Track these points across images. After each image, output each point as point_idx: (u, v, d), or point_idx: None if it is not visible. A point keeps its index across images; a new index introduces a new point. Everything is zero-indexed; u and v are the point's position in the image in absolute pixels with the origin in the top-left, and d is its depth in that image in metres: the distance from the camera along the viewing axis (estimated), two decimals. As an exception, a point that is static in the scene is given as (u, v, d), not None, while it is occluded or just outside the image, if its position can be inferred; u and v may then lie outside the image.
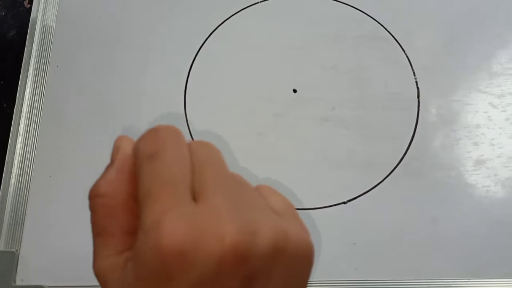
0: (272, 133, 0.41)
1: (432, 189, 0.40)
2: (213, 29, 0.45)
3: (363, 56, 0.44)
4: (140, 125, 0.42)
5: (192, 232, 0.17)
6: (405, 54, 0.45)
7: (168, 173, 0.19)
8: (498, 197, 0.39)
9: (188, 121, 0.42)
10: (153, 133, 0.20)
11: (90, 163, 0.41)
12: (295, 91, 0.43)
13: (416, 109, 0.43)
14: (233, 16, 0.46)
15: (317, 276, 0.37)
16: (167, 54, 0.45)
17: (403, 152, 0.41)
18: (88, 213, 0.39)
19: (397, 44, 0.45)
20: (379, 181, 0.40)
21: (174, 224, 0.17)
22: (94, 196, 0.21)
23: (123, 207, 0.20)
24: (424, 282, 0.37)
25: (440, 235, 0.38)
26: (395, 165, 0.40)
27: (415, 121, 0.42)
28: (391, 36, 0.45)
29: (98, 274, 0.20)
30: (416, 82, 0.43)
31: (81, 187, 0.40)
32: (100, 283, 0.19)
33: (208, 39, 0.45)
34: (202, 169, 0.19)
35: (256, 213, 0.19)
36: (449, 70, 0.44)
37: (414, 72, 0.44)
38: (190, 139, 0.42)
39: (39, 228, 0.40)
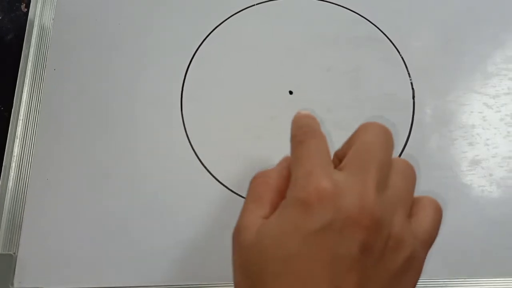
0: (269, 136, 0.42)
1: (427, 189, 0.40)
2: (209, 32, 0.45)
3: (359, 58, 0.45)
4: (137, 128, 0.42)
5: (340, 185, 0.22)
6: (400, 55, 0.45)
7: (317, 150, 0.25)
8: (493, 196, 0.40)
9: (185, 124, 0.42)
10: (304, 120, 0.29)
11: (88, 166, 0.42)
12: (291, 92, 0.43)
13: (412, 110, 0.43)
14: (229, 19, 0.46)
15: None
16: (164, 57, 0.45)
17: (399, 153, 0.41)
18: (85, 216, 0.39)
19: (392, 45, 0.45)
20: (374, 182, 0.40)
21: (320, 176, 0.23)
22: (261, 175, 0.27)
23: (277, 186, 0.26)
24: (419, 282, 0.37)
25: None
26: (390, 166, 0.41)
27: (410, 121, 0.42)
28: (386, 38, 0.45)
29: (242, 227, 0.24)
30: (411, 83, 0.44)
31: (79, 189, 0.41)
32: (238, 240, 0.24)
33: (204, 41, 0.45)
34: (359, 150, 0.25)
35: (396, 209, 0.23)
36: (444, 71, 0.44)
37: (409, 73, 0.44)
38: (187, 142, 0.42)
39: (37, 231, 0.40)
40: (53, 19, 0.47)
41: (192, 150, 0.42)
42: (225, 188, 0.40)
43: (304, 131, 0.27)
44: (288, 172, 0.26)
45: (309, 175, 0.23)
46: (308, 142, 0.26)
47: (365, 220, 0.22)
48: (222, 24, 0.46)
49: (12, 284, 0.38)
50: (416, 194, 0.40)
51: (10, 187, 0.41)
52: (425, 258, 0.25)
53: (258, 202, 0.25)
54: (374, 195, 0.22)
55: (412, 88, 0.44)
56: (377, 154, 0.24)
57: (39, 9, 0.47)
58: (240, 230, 0.25)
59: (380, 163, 0.24)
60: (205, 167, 0.41)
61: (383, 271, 0.23)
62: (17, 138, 0.42)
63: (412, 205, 0.26)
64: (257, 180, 0.27)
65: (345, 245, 0.22)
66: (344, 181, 0.23)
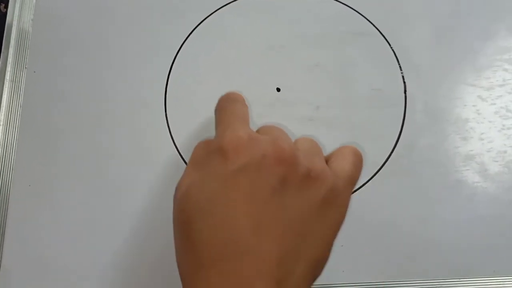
0: (255, 135, 0.40)
1: (420, 187, 0.39)
2: (192, 29, 0.44)
3: (348, 53, 0.43)
4: (121, 131, 0.41)
5: (253, 135, 0.25)
6: (392, 48, 0.43)
7: (234, 112, 0.29)
8: (488, 193, 0.38)
9: (169, 125, 0.41)
10: (225, 97, 0.32)
11: (71, 171, 0.40)
12: (278, 90, 0.42)
13: (403, 105, 0.41)
14: (211, 15, 0.44)
15: (304, 280, 0.36)
16: (146, 57, 0.43)
17: (390, 150, 0.40)
18: (69, 223, 0.38)
19: (383, 38, 0.44)
20: (365, 181, 0.39)
21: (236, 128, 0.26)
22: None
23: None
24: (413, 283, 0.36)
25: (429, 235, 0.37)
26: (381, 164, 0.39)
27: (402, 117, 0.41)
28: (376, 31, 0.44)
29: (177, 188, 0.26)
30: (403, 76, 0.42)
31: (62, 196, 0.40)
32: (173, 200, 0.26)
33: (187, 40, 0.44)
34: (265, 129, 0.28)
35: (305, 153, 0.26)
36: (436, 64, 0.43)
37: (400, 67, 0.43)
38: (172, 143, 0.41)
39: (20, 238, 0.39)
40: (32, 20, 0.45)
41: (177, 152, 0.40)
42: (211, 191, 0.39)
43: (225, 99, 0.31)
44: None
45: (227, 128, 0.26)
46: (229, 107, 0.30)
47: (282, 156, 0.24)
48: (204, 21, 0.44)
49: (-5, 295, 0.37)
50: (406, 193, 0.39)
51: (-9, 195, 0.40)
52: (349, 197, 0.27)
53: (194, 166, 0.27)
54: (288, 143, 0.25)
55: (404, 82, 0.42)
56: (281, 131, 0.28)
57: (17, 9, 0.46)
58: (176, 190, 0.26)
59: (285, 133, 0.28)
60: (191, 169, 0.40)
61: (304, 202, 0.24)
62: (-3, 144, 0.41)
63: (328, 157, 0.28)
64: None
65: (263, 180, 0.24)
66: (261, 135, 0.26)
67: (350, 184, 0.27)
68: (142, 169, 0.40)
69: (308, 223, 0.24)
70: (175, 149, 0.40)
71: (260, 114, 0.41)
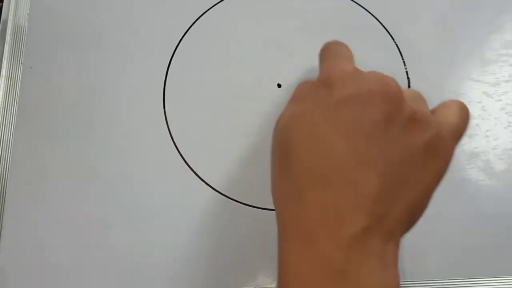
0: (256, 132, 0.40)
1: (424, 185, 0.38)
2: (190, 24, 0.43)
3: (351, 46, 0.42)
4: (118, 128, 0.40)
5: (359, 70, 0.26)
6: (395, 43, 0.42)
7: (340, 53, 0.30)
8: (493, 191, 0.38)
9: (168, 122, 0.40)
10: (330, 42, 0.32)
11: (68, 169, 0.40)
12: (279, 86, 0.41)
13: (407, 101, 0.41)
14: (210, 9, 0.43)
15: (305, 280, 0.35)
16: (144, 53, 0.43)
17: (393, 148, 0.39)
18: (67, 222, 0.38)
19: (386, 33, 0.43)
20: (368, 179, 0.38)
21: (343, 62, 0.26)
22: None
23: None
24: (416, 283, 0.36)
25: (432, 234, 0.37)
26: (385, 162, 0.39)
27: (406, 114, 0.40)
28: (380, 25, 0.43)
29: (278, 120, 0.26)
30: (407, 72, 0.41)
31: (60, 194, 0.39)
32: (274, 132, 0.26)
33: (186, 35, 0.43)
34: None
35: (413, 95, 0.26)
36: (441, 59, 0.42)
37: (404, 62, 0.42)
38: (170, 140, 0.40)
39: (16, 238, 0.38)
40: (28, 14, 0.45)
41: (176, 150, 0.40)
42: (212, 190, 0.38)
43: (330, 42, 0.31)
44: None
45: (333, 63, 0.26)
46: (333, 47, 0.30)
47: (388, 92, 0.23)
48: (203, 16, 0.43)
49: (-9, 295, 0.37)
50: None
51: (-13, 193, 0.39)
52: (453, 149, 0.26)
53: (297, 100, 0.26)
54: (395, 82, 0.25)
55: (408, 78, 0.41)
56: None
57: (13, 4, 0.45)
58: (277, 123, 0.26)
59: None
60: (190, 167, 0.39)
61: (407, 143, 0.23)
62: (-7, 142, 0.41)
63: (433, 110, 0.27)
64: (300, 84, 0.29)
65: (367, 113, 0.23)
66: (366, 72, 0.25)
67: (455, 136, 0.26)
68: (140, 168, 0.39)
69: (410, 166, 0.23)
70: (175, 147, 0.40)
71: (261, 111, 0.40)
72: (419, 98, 0.27)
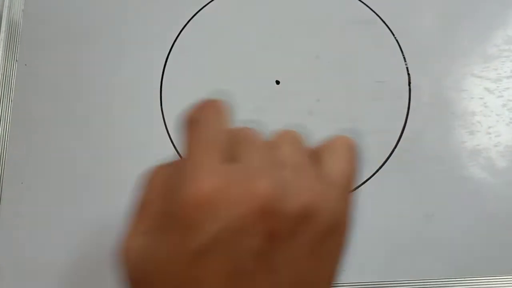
0: (253, 130, 0.39)
1: (425, 183, 0.37)
2: (188, 19, 0.42)
3: (350, 43, 0.42)
4: (115, 126, 0.40)
5: (220, 184, 0.18)
6: (395, 38, 0.42)
7: (205, 138, 0.20)
8: (495, 189, 0.37)
9: (165, 118, 0.40)
10: (200, 104, 0.23)
11: (64, 167, 0.39)
12: (278, 82, 0.41)
13: (407, 98, 0.40)
14: (208, 4, 0.43)
15: (304, 280, 0.35)
16: (141, 48, 0.42)
17: (394, 145, 0.39)
18: (63, 221, 0.37)
19: (386, 28, 0.42)
20: (368, 177, 0.38)
21: (203, 176, 0.18)
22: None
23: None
24: (417, 282, 0.35)
25: (433, 232, 0.36)
26: (385, 159, 0.38)
27: (406, 110, 0.40)
28: (379, 20, 0.42)
29: (122, 246, 0.21)
30: (407, 68, 0.41)
31: (56, 193, 0.39)
32: (122, 261, 0.21)
33: (183, 30, 0.42)
34: (239, 138, 0.21)
35: (293, 174, 0.19)
36: (442, 54, 0.41)
37: (404, 58, 0.41)
38: (168, 138, 0.39)
39: (12, 238, 0.38)
40: (22, 11, 0.44)
41: (174, 148, 0.39)
42: (209, 188, 0.38)
43: (197, 109, 0.22)
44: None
45: (190, 172, 0.19)
46: (198, 127, 0.21)
47: (264, 206, 0.18)
48: (201, 11, 0.43)
49: (-13, 296, 0.36)
50: (410, 189, 0.37)
51: (-18, 193, 0.39)
52: (346, 209, 0.21)
53: (147, 220, 0.21)
54: (267, 176, 0.18)
55: (408, 74, 0.41)
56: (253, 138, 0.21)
57: (7, 0, 0.44)
58: (118, 254, 0.21)
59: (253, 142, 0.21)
60: (187, 165, 0.39)
61: (301, 249, 0.19)
62: (-12, 140, 0.40)
63: (314, 153, 0.22)
64: (153, 180, 0.22)
65: (244, 248, 0.18)
66: (230, 177, 0.19)
67: (349, 189, 0.22)
68: (137, 166, 0.39)
69: (309, 270, 0.19)
70: (172, 145, 0.39)
71: (259, 108, 0.40)
72: (299, 159, 0.21)
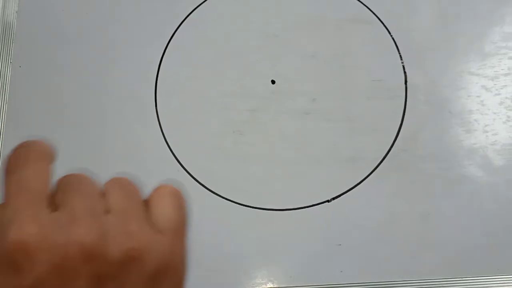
0: (249, 130, 0.39)
1: (422, 182, 0.37)
2: (182, 19, 0.42)
3: (346, 41, 0.41)
4: (110, 126, 0.40)
5: (39, 230, 0.19)
6: (391, 36, 0.41)
7: (26, 184, 0.21)
8: (492, 188, 0.37)
9: (160, 120, 0.40)
10: (19, 150, 0.22)
11: (59, 169, 0.39)
12: (273, 82, 0.40)
13: (404, 97, 0.40)
14: (203, 4, 0.42)
15: (300, 281, 0.35)
16: (136, 49, 0.42)
17: (390, 144, 0.38)
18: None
19: (382, 26, 0.42)
20: (364, 177, 0.37)
21: (24, 223, 0.19)
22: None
23: None
24: (414, 282, 0.35)
25: (430, 232, 0.36)
26: (381, 159, 0.38)
27: (403, 109, 0.39)
28: (376, 18, 0.42)
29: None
30: (403, 66, 0.41)
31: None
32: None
33: (178, 30, 0.42)
34: (63, 187, 0.22)
35: (117, 220, 0.21)
36: (439, 53, 0.41)
37: (401, 56, 0.41)
38: (162, 138, 0.39)
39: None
40: (16, 12, 0.44)
41: (168, 149, 0.39)
42: (204, 189, 0.38)
43: (13, 157, 0.21)
44: None
45: (12, 220, 0.19)
46: (17, 173, 0.21)
47: (86, 249, 0.19)
48: (195, 10, 0.42)
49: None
50: (407, 188, 0.37)
51: (-23, 195, 0.39)
52: (183, 249, 0.23)
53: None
54: (89, 225, 0.19)
55: (404, 72, 0.40)
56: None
57: (1, 2, 0.44)
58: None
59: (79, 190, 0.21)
60: (182, 166, 0.38)
61: (133, 286, 0.20)
62: (-18, 143, 0.40)
63: (144, 201, 0.23)
64: None
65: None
66: (52, 221, 0.19)
67: (178, 232, 0.23)
68: (132, 166, 0.39)
69: None
70: (166, 146, 0.39)
71: (255, 108, 0.39)
72: (128, 205, 0.22)
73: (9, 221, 0.19)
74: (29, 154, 0.22)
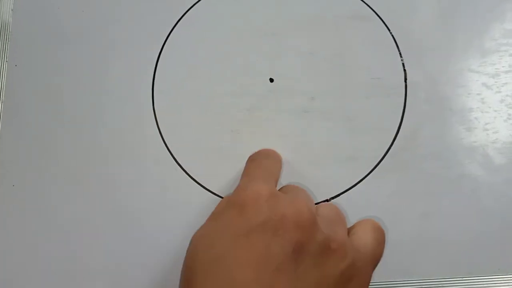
0: (246, 130, 0.38)
1: (422, 182, 0.37)
2: (179, 17, 0.42)
3: (345, 39, 0.41)
4: (107, 126, 0.39)
5: (273, 193, 0.24)
6: (391, 33, 0.41)
7: (264, 166, 0.28)
8: (493, 187, 0.37)
9: (157, 120, 0.39)
10: (263, 150, 0.31)
11: (56, 169, 0.39)
12: (271, 80, 0.40)
13: (404, 95, 0.39)
14: (200, 1, 0.42)
15: (299, 281, 0.35)
16: (132, 47, 0.41)
17: (390, 143, 0.38)
18: (57, 225, 0.37)
19: (381, 22, 0.41)
20: (364, 176, 0.37)
21: (259, 183, 0.24)
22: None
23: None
24: (415, 282, 0.35)
25: (431, 232, 0.36)
26: (381, 158, 0.37)
27: (402, 107, 0.39)
28: (374, 14, 0.42)
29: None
30: (403, 64, 0.40)
31: (48, 195, 0.38)
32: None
33: (175, 28, 0.41)
34: (289, 187, 0.29)
35: (326, 219, 0.25)
36: (439, 50, 0.40)
37: (400, 54, 0.40)
38: (160, 138, 0.39)
39: (3, 243, 0.37)
40: (12, 10, 0.43)
41: (166, 149, 0.39)
42: (203, 189, 0.37)
43: (259, 153, 0.30)
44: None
45: (249, 182, 0.25)
46: (259, 161, 0.29)
47: (300, 219, 0.22)
48: (192, 8, 0.42)
49: (-21, 301, 0.36)
50: (407, 188, 0.37)
51: (-27, 196, 0.38)
52: (369, 277, 0.25)
53: (213, 219, 0.25)
54: (309, 207, 0.23)
55: (404, 70, 0.40)
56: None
57: (-4, -1, 0.43)
58: (190, 241, 0.25)
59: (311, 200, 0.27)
60: (180, 166, 0.38)
61: (320, 276, 0.22)
62: (-22, 143, 0.40)
63: (349, 229, 0.26)
64: (224, 197, 0.28)
65: (278, 244, 0.22)
66: (283, 194, 0.24)
67: (373, 262, 0.25)
68: (129, 167, 0.38)
69: None
70: (164, 146, 0.39)
71: (253, 106, 0.39)
72: (337, 218, 0.25)
73: (248, 181, 0.26)
74: (269, 153, 0.30)
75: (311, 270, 0.22)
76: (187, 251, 0.24)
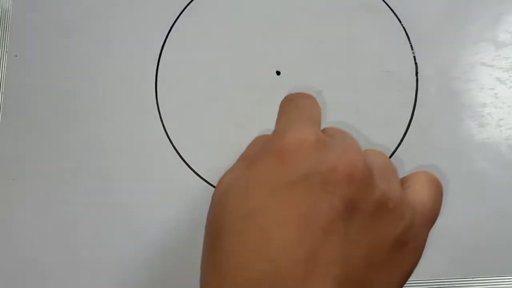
0: (252, 123, 0.37)
1: (432, 178, 0.36)
2: (184, 6, 0.41)
3: (354, 31, 0.40)
4: (108, 118, 0.38)
5: (316, 137, 0.19)
6: (402, 25, 0.40)
7: (302, 107, 0.23)
8: (506, 186, 0.35)
9: (161, 112, 0.38)
10: (301, 93, 0.25)
11: (56, 162, 0.38)
12: (278, 73, 0.39)
13: (415, 88, 0.38)
14: (205, -8, 0.41)
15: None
16: (134, 38, 0.40)
17: (400, 138, 0.37)
18: (57, 219, 0.36)
19: (392, 14, 0.40)
20: (373, 172, 0.36)
21: (303, 127, 0.20)
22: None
23: None
24: (422, 282, 0.34)
25: (440, 230, 0.35)
26: (391, 153, 0.36)
27: (413, 102, 0.38)
28: (385, 6, 0.40)
29: (218, 183, 0.22)
30: (414, 57, 0.39)
31: (47, 189, 0.37)
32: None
33: (179, 18, 0.40)
34: (333, 130, 0.23)
35: (380, 171, 0.20)
36: (451, 43, 0.39)
37: (412, 46, 0.39)
38: (164, 132, 0.38)
39: (4, 237, 0.37)
40: (12, 0, 0.42)
41: (169, 142, 0.38)
42: (206, 184, 0.36)
43: (297, 94, 0.24)
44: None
45: (290, 124, 0.20)
46: (298, 100, 0.24)
47: (355, 172, 0.18)
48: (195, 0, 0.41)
49: (-21, 296, 0.35)
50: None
51: (-27, 189, 0.38)
52: (426, 237, 0.21)
53: (245, 161, 0.21)
54: (363, 157, 0.19)
55: (415, 63, 0.39)
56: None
57: (-4, -13, 0.42)
58: (216, 186, 0.21)
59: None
60: (184, 161, 0.37)
61: (373, 238, 0.19)
62: (-22, 135, 0.39)
63: (402, 181, 0.22)
64: (256, 137, 0.24)
65: (325, 201, 0.18)
66: (330, 140, 0.20)
67: (430, 223, 0.22)
68: (132, 161, 0.37)
69: (374, 267, 0.19)
70: (167, 139, 0.38)
71: (259, 100, 0.38)
72: (390, 171, 0.21)
73: (289, 123, 0.20)
74: (309, 95, 0.24)
75: (363, 233, 0.18)
76: (214, 197, 0.21)
